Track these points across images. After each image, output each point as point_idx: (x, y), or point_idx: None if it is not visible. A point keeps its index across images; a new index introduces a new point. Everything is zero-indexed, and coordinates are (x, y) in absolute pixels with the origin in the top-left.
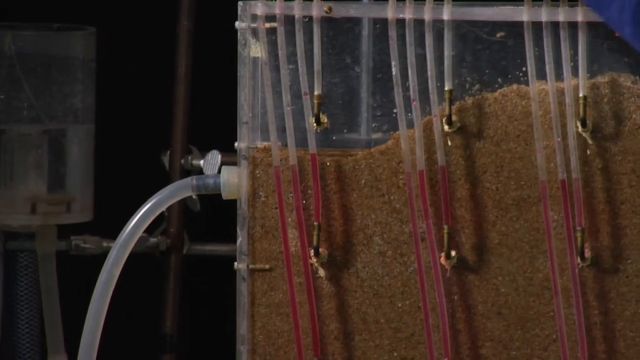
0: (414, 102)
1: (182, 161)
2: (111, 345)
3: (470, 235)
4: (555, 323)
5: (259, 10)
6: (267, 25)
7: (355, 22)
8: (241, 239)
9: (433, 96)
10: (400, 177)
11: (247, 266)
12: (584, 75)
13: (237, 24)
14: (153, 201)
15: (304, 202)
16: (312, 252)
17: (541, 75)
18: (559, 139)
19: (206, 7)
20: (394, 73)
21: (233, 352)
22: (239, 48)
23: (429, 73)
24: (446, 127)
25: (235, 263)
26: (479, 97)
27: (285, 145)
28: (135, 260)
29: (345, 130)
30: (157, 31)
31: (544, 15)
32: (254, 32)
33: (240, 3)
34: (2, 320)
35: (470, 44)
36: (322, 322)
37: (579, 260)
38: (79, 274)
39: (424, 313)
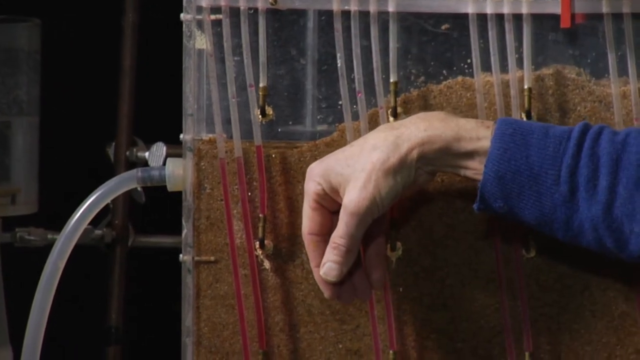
0: (359, 94)
1: (127, 153)
2: (56, 338)
3: (415, 227)
4: (500, 315)
5: (204, 2)
6: (213, 17)
7: (301, 14)
8: (186, 231)
9: (378, 88)
10: None
11: (193, 258)
12: (528, 67)
13: (182, 16)
14: (98, 193)
15: (249, 194)
16: (257, 244)
17: (486, 67)
18: None
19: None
20: (339, 65)
21: (178, 344)
22: (184, 40)
23: (374, 65)
24: (391, 119)
25: (181, 255)
26: (424, 89)
27: (230, 137)
28: (80, 253)
29: (290, 122)
30: (102, 23)
31: (488, 7)
32: (199, 24)
33: None
34: None
35: (416, 36)
36: (267, 314)
37: (523, 252)
38: (24, 266)
39: (370, 305)
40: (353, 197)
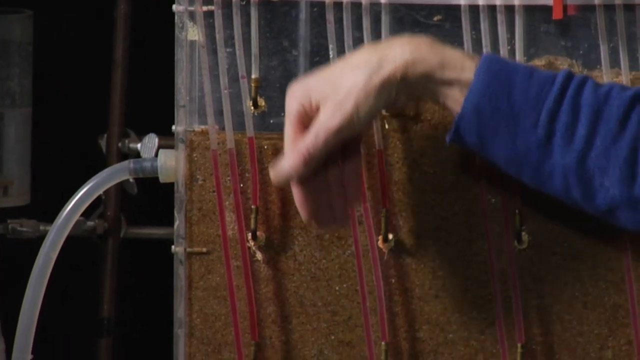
0: None
1: (119, 144)
2: (48, 329)
3: (407, 219)
4: (492, 306)
5: None
6: (205, 8)
7: (293, 5)
8: (178, 222)
9: None
10: None
11: (185, 249)
12: (521, 58)
13: (174, 7)
14: (90, 184)
15: (242, 185)
16: (249, 235)
17: None
18: None
19: None
20: (331, 56)
21: (171, 335)
22: (176, 31)
23: None
24: (383, 111)
25: (173, 246)
26: None
27: (222, 128)
28: (73, 244)
29: (282, 114)
30: (95, 14)
31: None
32: (192, 15)
33: None
34: None
35: (408, 27)
36: (259, 305)
37: (516, 243)
38: (16, 257)
39: (362, 296)
40: (329, 113)
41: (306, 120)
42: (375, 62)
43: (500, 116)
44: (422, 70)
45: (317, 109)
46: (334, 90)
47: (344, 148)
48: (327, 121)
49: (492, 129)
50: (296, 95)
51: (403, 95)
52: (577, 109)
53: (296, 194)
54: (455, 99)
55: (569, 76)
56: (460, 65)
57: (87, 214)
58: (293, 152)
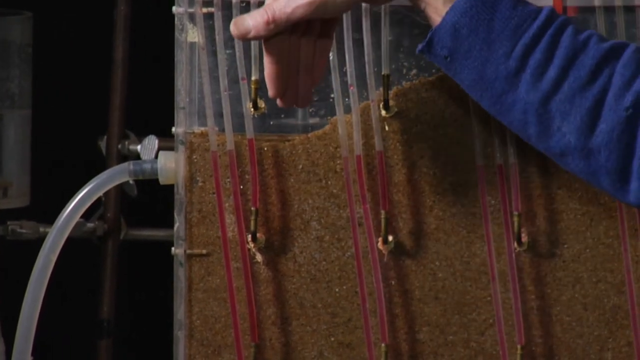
0: (351, 87)
1: (119, 146)
2: (48, 331)
3: (407, 220)
4: (492, 308)
5: None
6: (205, 10)
7: None
8: (178, 224)
9: (370, 81)
10: (338, 162)
11: (185, 251)
12: None
13: (174, 8)
14: (90, 186)
15: (242, 187)
16: (249, 237)
17: None
18: (496, 124)
19: None
20: (331, 58)
21: (171, 337)
22: (176, 33)
23: (366, 58)
24: (383, 112)
25: (173, 248)
26: (416, 82)
27: (222, 130)
28: (72, 246)
29: (282, 115)
30: (94, 16)
31: None
32: (191, 17)
33: None
34: None
35: (407, 29)
36: (259, 307)
37: (515, 245)
38: (16, 259)
39: (361, 298)
40: None
41: None
42: None
43: (476, 39)
44: None
45: None
46: None
47: (320, 28)
48: None
49: (465, 49)
50: None
51: None
52: (552, 49)
53: (267, 67)
54: (437, 8)
55: (552, 15)
56: None
57: (87, 215)
58: (261, 11)
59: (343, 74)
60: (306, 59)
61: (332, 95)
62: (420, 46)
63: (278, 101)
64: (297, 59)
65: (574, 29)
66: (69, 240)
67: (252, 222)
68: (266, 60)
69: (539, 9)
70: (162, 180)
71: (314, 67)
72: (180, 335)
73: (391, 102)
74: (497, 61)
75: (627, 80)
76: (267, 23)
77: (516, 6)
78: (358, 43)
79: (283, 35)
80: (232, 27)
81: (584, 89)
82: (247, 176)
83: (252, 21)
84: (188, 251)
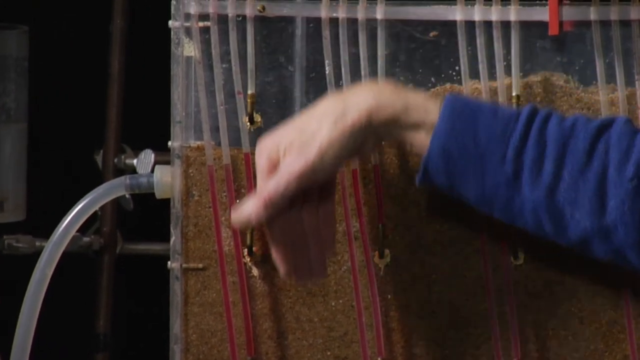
0: None
1: (115, 160)
2: (45, 345)
3: (403, 234)
4: (488, 322)
5: (193, 9)
6: (201, 24)
7: (289, 21)
8: (174, 238)
9: None
10: None
11: (181, 265)
12: (516, 74)
13: (170, 23)
14: (86, 200)
15: (238, 201)
16: (245, 251)
17: (474, 74)
18: None
19: (139, 6)
20: (327, 72)
21: (167, 351)
22: (173, 47)
23: (362, 72)
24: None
25: (169, 262)
26: None
27: (218, 144)
28: (68, 260)
29: None
30: (90, 30)
31: (477, 14)
32: (188, 31)
33: (173, 2)
34: None
35: (404, 43)
36: (255, 321)
37: (512, 259)
38: (12, 273)
39: (358, 312)
40: (292, 159)
41: (275, 171)
42: (340, 109)
43: (467, 155)
44: (386, 115)
45: (284, 157)
46: (299, 137)
47: (319, 195)
48: (290, 166)
49: (460, 168)
50: (264, 148)
51: (370, 142)
52: (542, 143)
53: (274, 248)
54: (422, 142)
55: (533, 111)
56: (424, 108)
57: (83, 229)
58: (255, 197)
59: (339, 88)
60: (312, 230)
61: None
62: (418, 178)
63: (292, 278)
64: (303, 232)
65: (558, 117)
66: (65, 254)
67: (249, 236)
68: (271, 242)
69: (519, 110)
70: (159, 195)
71: (323, 235)
72: (176, 349)
73: None
74: (494, 170)
75: (624, 152)
76: (265, 205)
77: (496, 112)
78: (354, 57)
79: (283, 213)
80: (232, 218)
81: (583, 172)
82: (243, 190)
83: (249, 208)
84: (184, 265)
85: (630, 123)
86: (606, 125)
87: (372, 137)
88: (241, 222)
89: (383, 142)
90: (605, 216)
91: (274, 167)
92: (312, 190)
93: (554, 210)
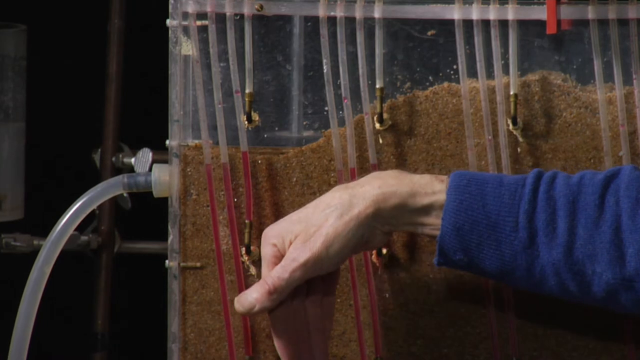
0: (345, 100)
1: (113, 159)
2: (42, 344)
3: (401, 233)
4: (486, 320)
5: (190, 7)
6: (199, 22)
7: (287, 20)
8: (172, 236)
9: (364, 94)
10: (332, 174)
11: (179, 264)
12: (514, 73)
13: (168, 21)
14: (84, 199)
15: (236, 200)
16: (243, 250)
17: (472, 73)
18: (490, 137)
19: (137, 5)
20: (325, 71)
21: (165, 350)
22: (170, 46)
23: (360, 71)
24: (377, 125)
25: (167, 261)
26: (410, 95)
27: (216, 143)
28: (66, 259)
29: (276, 128)
30: (88, 29)
31: (474, 13)
32: (185, 30)
33: (171, 1)
34: None
35: (402, 42)
36: (253, 320)
37: None
38: (10, 272)
39: (355, 311)
40: (298, 249)
41: (280, 260)
42: (347, 200)
43: (480, 228)
44: (394, 202)
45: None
46: (306, 228)
47: (322, 285)
48: (296, 256)
49: (475, 243)
50: (269, 237)
51: (379, 232)
52: (552, 204)
53: (277, 339)
54: (433, 224)
55: (539, 175)
56: (430, 190)
57: (81, 228)
58: (259, 284)
59: (337, 87)
60: (315, 320)
61: (326, 108)
62: (436, 260)
63: None
64: (305, 322)
65: (564, 176)
66: (63, 253)
67: (246, 235)
68: (275, 333)
69: (524, 175)
70: (156, 193)
71: (325, 325)
72: (174, 348)
73: (385, 115)
74: (509, 239)
75: (634, 199)
76: (270, 293)
77: (501, 182)
78: (352, 56)
79: (286, 303)
80: (236, 305)
81: (597, 224)
82: (241, 189)
83: (254, 295)
84: (182, 264)
85: (636, 169)
86: (613, 175)
87: (380, 227)
88: (245, 308)
89: (393, 235)
90: (625, 265)
91: (279, 256)
92: (316, 281)
93: (574, 268)
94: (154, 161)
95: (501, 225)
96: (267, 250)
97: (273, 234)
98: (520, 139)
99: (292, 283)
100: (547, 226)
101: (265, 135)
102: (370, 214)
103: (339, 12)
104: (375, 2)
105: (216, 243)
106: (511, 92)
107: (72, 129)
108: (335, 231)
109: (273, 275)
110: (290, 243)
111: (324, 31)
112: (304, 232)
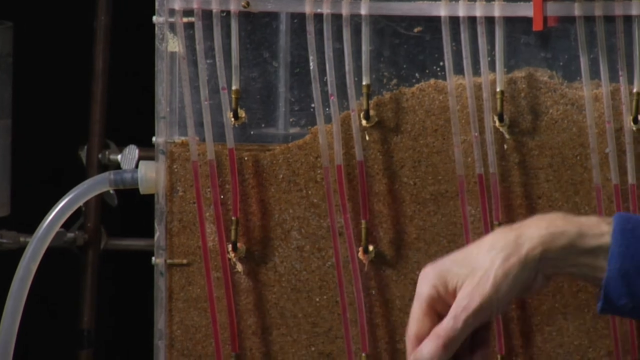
0: (332, 97)
1: (100, 156)
2: (29, 341)
3: (388, 230)
4: None
5: (177, 4)
6: (185, 19)
7: (273, 16)
8: (159, 233)
9: (351, 91)
10: (318, 171)
11: (165, 261)
12: (501, 70)
13: (154, 18)
14: (70, 196)
15: (222, 196)
16: (230, 246)
17: (458, 70)
18: (476, 134)
19: (123, 2)
20: (311, 67)
21: (151, 347)
22: (157, 43)
23: (346, 68)
24: (364, 122)
25: (153, 258)
26: (397, 92)
27: (203, 140)
28: (53, 255)
29: (263, 125)
30: (75, 26)
31: (461, 10)
32: (172, 27)
33: None
34: None
35: (388, 38)
36: (239, 316)
37: None
38: None
39: (342, 307)
40: (468, 295)
41: (438, 304)
42: (512, 241)
43: None
44: (562, 242)
45: (454, 292)
46: (472, 271)
47: (472, 338)
48: (467, 303)
49: None
50: (430, 278)
51: (541, 275)
52: None
53: None
54: (598, 266)
55: None
56: (599, 232)
57: (67, 225)
58: (432, 337)
59: (323, 84)
60: None
61: (312, 105)
62: (599, 306)
63: None
64: None
65: None
66: (49, 250)
67: (233, 232)
68: None
69: None
70: (143, 190)
71: None
72: (160, 345)
73: (372, 112)
74: None
75: None
76: (445, 347)
77: None
78: (338, 53)
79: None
80: None
81: None
82: (227, 186)
83: (428, 350)
84: (168, 261)
85: None
86: None
87: (545, 269)
88: None
89: (551, 278)
90: None
91: (436, 298)
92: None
93: None
94: (140, 158)
95: None
96: (424, 290)
97: (434, 274)
98: (507, 136)
99: (465, 332)
100: None
101: (252, 132)
102: (538, 255)
103: (326, 9)
104: None
105: (202, 240)
106: (497, 89)
107: (58, 126)
108: (504, 273)
109: (445, 326)
110: (454, 288)
111: (310, 28)
112: (471, 277)
